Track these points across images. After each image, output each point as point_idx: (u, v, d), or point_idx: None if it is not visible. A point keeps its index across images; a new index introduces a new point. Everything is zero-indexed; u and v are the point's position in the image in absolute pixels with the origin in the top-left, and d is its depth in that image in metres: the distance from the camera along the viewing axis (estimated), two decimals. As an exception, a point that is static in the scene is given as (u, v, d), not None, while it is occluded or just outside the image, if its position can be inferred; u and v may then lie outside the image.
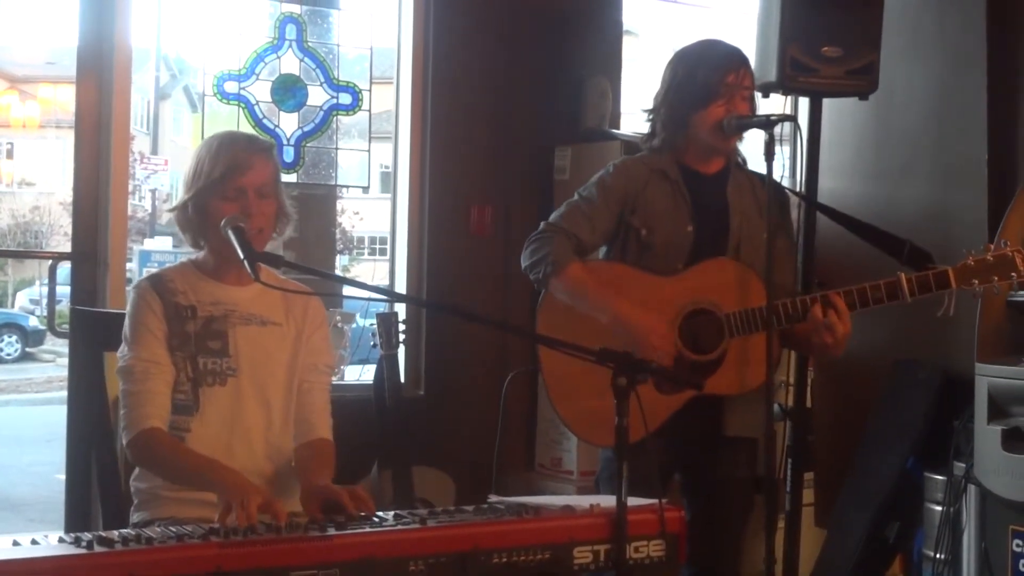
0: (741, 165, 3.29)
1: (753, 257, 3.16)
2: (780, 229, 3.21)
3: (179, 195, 2.78)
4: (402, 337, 4.28)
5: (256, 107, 4.43)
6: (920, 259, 3.50)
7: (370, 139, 4.67)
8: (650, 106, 3.28)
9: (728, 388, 3.12)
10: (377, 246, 21.04)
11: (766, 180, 3.10)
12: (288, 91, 4.49)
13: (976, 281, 3.01)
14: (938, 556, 3.94)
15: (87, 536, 2.01)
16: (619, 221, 3.21)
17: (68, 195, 6.56)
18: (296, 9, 4.50)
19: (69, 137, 4.64)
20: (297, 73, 4.51)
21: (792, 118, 3.22)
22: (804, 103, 4.29)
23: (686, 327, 3.11)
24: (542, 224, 3.24)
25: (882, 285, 3.04)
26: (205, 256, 2.78)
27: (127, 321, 2.70)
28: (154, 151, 21.88)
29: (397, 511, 2.33)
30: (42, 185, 22.71)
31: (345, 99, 4.60)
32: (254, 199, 2.68)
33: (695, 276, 3.14)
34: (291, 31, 4.48)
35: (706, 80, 3.14)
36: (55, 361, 16.39)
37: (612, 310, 3.09)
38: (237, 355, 2.72)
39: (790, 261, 3.32)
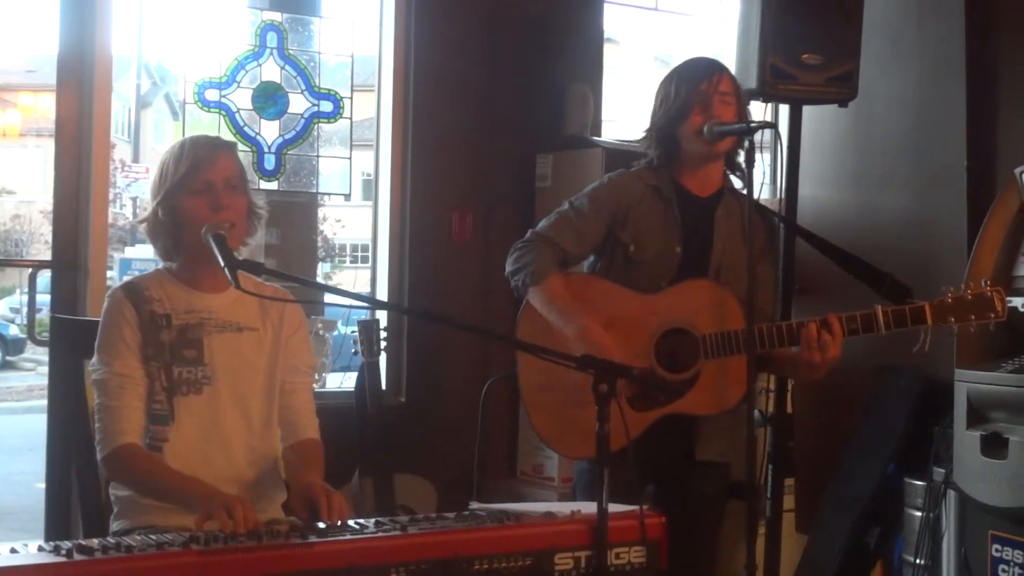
0: (736, 191, 3.28)
1: (734, 283, 3.15)
2: (764, 256, 3.22)
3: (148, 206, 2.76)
4: (383, 344, 4.28)
5: (237, 115, 4.42)
6: (900, 293, 3.51)
7: (351, 146, 4.67)
8: (642, 132, 3.29)
9: (699, 408, 3.11)
10: (359, 253, 21.02)
11: (748, 203, 3.09)
12: (269, 99, 4.49)
13: (953, 319, 3.02)
14: (918, 561, 3.94)
15: (67, 544, 2.01)
16: (608, 235, 3.20)
17: (48, 203, 6.52)
18: (277, 17, 4.50)
19: (49, 145, 4.63)
20: (278, 81, 4.51)
21: (772, 125, 3.23)
22: (784, 110, 4.31)
23: (663, 345, 3.10)
24: (529, 232, 3.23)
25: (858, 316, 3.03)
26: (179, 263, 2.76)
27: (100, 330, 2.68)
28: (135, 159, 21.82)
29: (378, 518, 2.33)
30: (22, 193, 22.60)
31: (326, 107, 4.60)
32: (223, 192, 2.66)
33: (675, 295, 3.13)
34: (272, 39, 4.48)
35: (681, 93, 3.16)
36: (35, 370, 16.27)
37: (576, 327, 3.06)
38: (212, 363, 2.70)
39: (771, 288, 3.32)
